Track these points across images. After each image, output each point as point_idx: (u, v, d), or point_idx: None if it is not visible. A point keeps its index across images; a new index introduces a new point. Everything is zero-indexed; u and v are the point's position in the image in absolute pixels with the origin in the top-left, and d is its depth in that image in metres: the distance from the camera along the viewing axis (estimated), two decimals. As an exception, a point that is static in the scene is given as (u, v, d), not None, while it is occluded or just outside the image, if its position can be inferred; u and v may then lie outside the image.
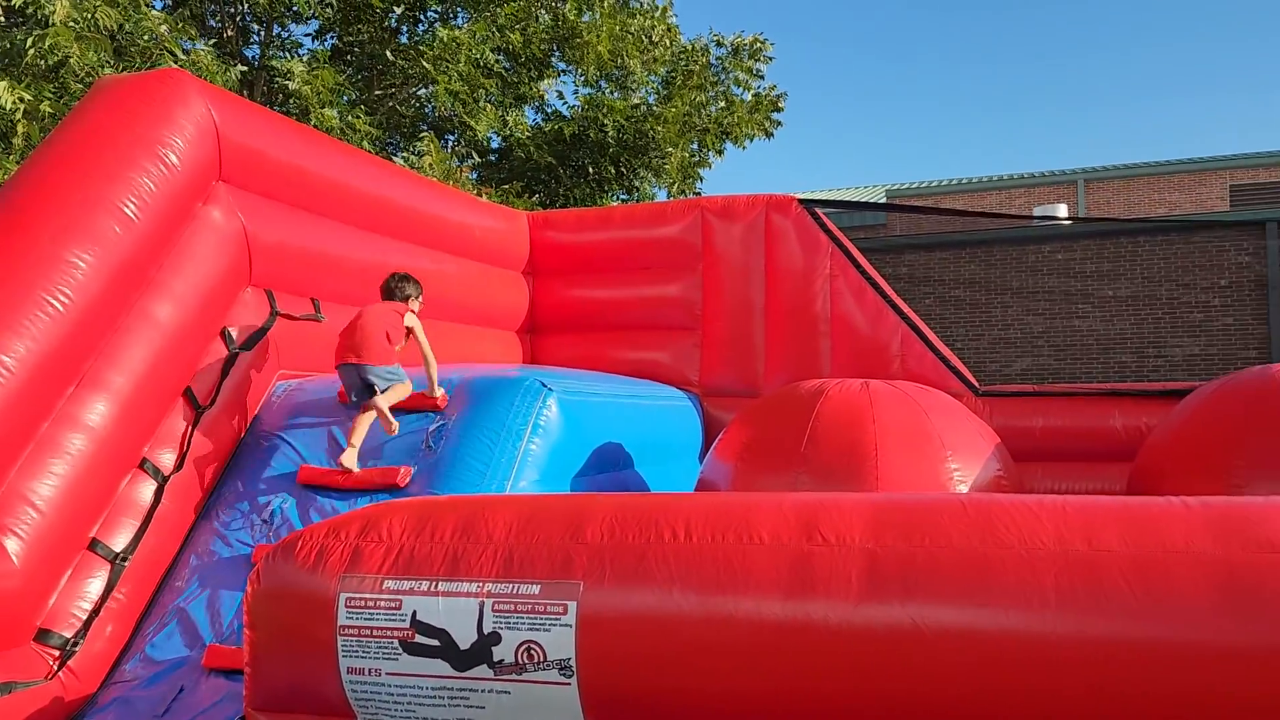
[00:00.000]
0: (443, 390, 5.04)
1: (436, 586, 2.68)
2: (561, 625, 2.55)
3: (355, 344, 4.84)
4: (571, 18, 10.08)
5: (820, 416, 4.75)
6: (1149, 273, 13.60)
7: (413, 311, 5.15)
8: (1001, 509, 2.51)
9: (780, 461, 4.69)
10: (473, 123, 9.64)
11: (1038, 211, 17.08)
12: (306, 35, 11.05)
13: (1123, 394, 6.77)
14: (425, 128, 10.43)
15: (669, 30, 11.31)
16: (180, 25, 8.86)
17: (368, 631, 2.71)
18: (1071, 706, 2.27)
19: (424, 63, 9.18)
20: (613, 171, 11.01)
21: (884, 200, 22.96)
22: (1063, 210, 16.90)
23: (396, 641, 2.68)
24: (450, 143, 10.88)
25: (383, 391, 4.83)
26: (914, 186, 24.11)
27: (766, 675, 2.47)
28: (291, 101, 8.90)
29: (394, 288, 5.19)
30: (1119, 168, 21.88)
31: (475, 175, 11.61)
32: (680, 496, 2.87)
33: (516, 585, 2.62)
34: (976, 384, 7.11)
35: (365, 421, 4.83)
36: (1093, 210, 21.02)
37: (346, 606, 2.74)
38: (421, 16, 10.51)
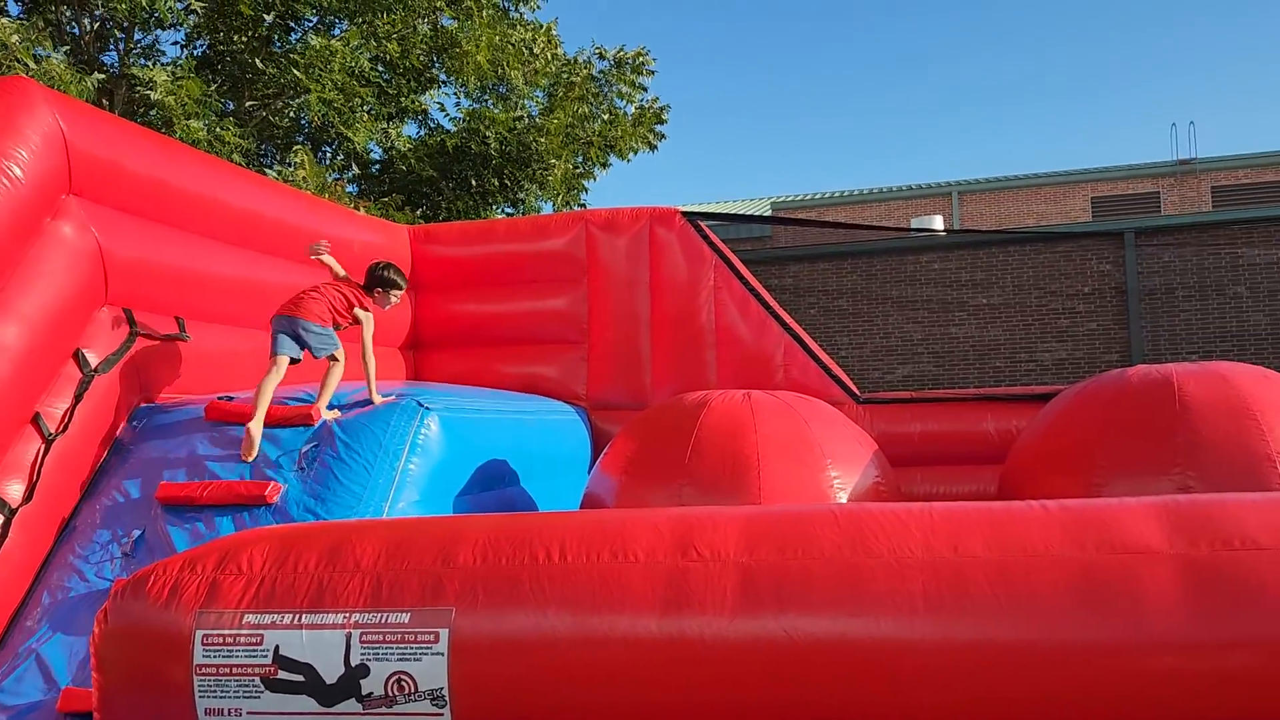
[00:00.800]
0: (371, 400, 4.97)
1: (300, 619, 2.57)
2: (433, 654, 2.47)
3: (298, 300, 4.87)
4: (451, 28, 9.93)
5: (703, 428, 4.76)
6: (1019, 281, 14.16)
7: (367, 309, 5.10)
8: (872, 518, 2.54)
9: (664, 474, 4.68)
10: (350, 134, 9.39)
11: (915, 223, 17.65)
12: (174, 44, 10.63)
13: (994, 399, 7.01)
14: (301, 140, 10.13)
15: (550, 42, 11.26)
16: (34, 35, 8.38)
17: (227, 670, 2.58)
18: (940, 710, 2.31)
19: (296, 71, 8.88)
20: (496, 184, 10.88)
21: (769, 213, 23.39)
22: (938, 222, 17.51)
23: (258, 679, 2.56)
24: (328, 155, 10.59)
25: (317, 354, 4.86)
26: (798, 199, 24.63)
27: (644, 693, 2.45)
28: (154, 112, 8.51)
29: (370, 274, 5.18)
30: (990, 180, 22.81)
31: (354, 189, 11.34)
32: (555, 516, 2.83)
33: (385, 614, 2.52)
34: (857, 392, 7.26)
35: (267, 386, 4.71)
36: (966, 221, 21.84)
37: (203, 644, 2.60)
38: (294, 24, 10.20)
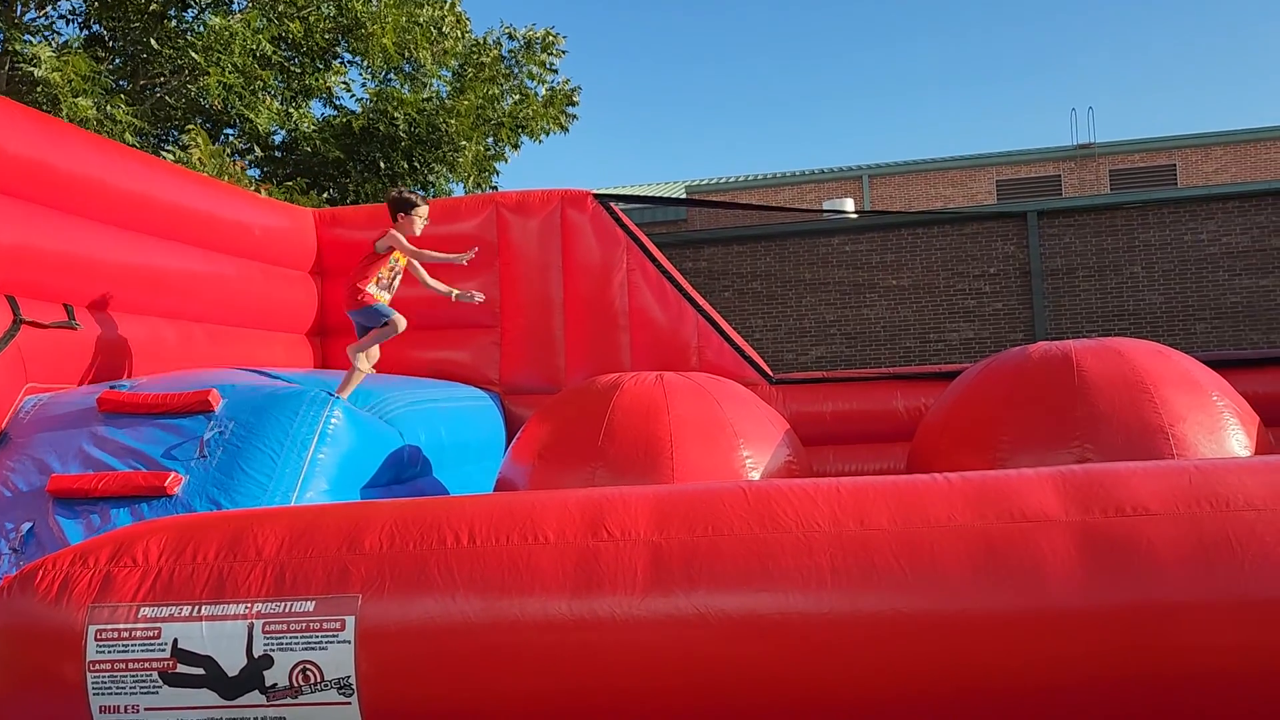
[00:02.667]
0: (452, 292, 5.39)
1: (200, 611, 2.48)
2: (339, 642, 2.42)
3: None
4: (356, 7, 9.67)
5: (615, 411, 4.75)
6: (928, 262, 14.46)
7: (391, 233, 5.13)
8: (781, 494, 2.56)
9: (577, 458, 4.66)
10: (252, 115, 9.08)
11: (827, 205, 17.90)
12: (61, 18, 10.09)
13: (902, 377, 7.16)
14: (200, 120, 9.76)
15: (459, 22, 11.07)
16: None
17: (122, 665, 2.48)
18: (848, 680, 2.35)
19: (193, 54, 8.54)
20: (405, 166, 10.67)
21: (683, 196, 23.46)
22: (850, 204, 17.78)
23: (156, 674, 2.47)
24: (229, 137, 10.23)
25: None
26: (712, 182, 24.75)
27: (557, 675, 2.43)
28: (40, 90, 8.10)
29: (389, 207, 5.28)
30: (899, 164, 23.25)
31: (256, 171, 11.00)
32: (464, 499, 2.79)
33: (289, 603, 2.46)
34: (770, 373, 7.34)
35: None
36: (877, 204, 22.25)
37: (97, 639, 2.50)
38: (191, 2, 9.80)
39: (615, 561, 2.42)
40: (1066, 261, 13.57)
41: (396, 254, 5.31)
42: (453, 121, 10.39)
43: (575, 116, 12.29)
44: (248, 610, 2.46)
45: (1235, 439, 4.22)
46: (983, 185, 22.03)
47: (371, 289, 5.26)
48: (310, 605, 2.44)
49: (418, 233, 5.38)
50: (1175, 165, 21.36)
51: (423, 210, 5.36)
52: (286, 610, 2.44)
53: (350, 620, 2.42)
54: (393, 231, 5.24)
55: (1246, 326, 12.78)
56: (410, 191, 5.35)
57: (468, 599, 2.42)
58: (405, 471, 5.48)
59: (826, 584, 2.36)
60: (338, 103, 11.49)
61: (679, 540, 2.45)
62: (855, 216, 16.56)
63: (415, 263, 5.31)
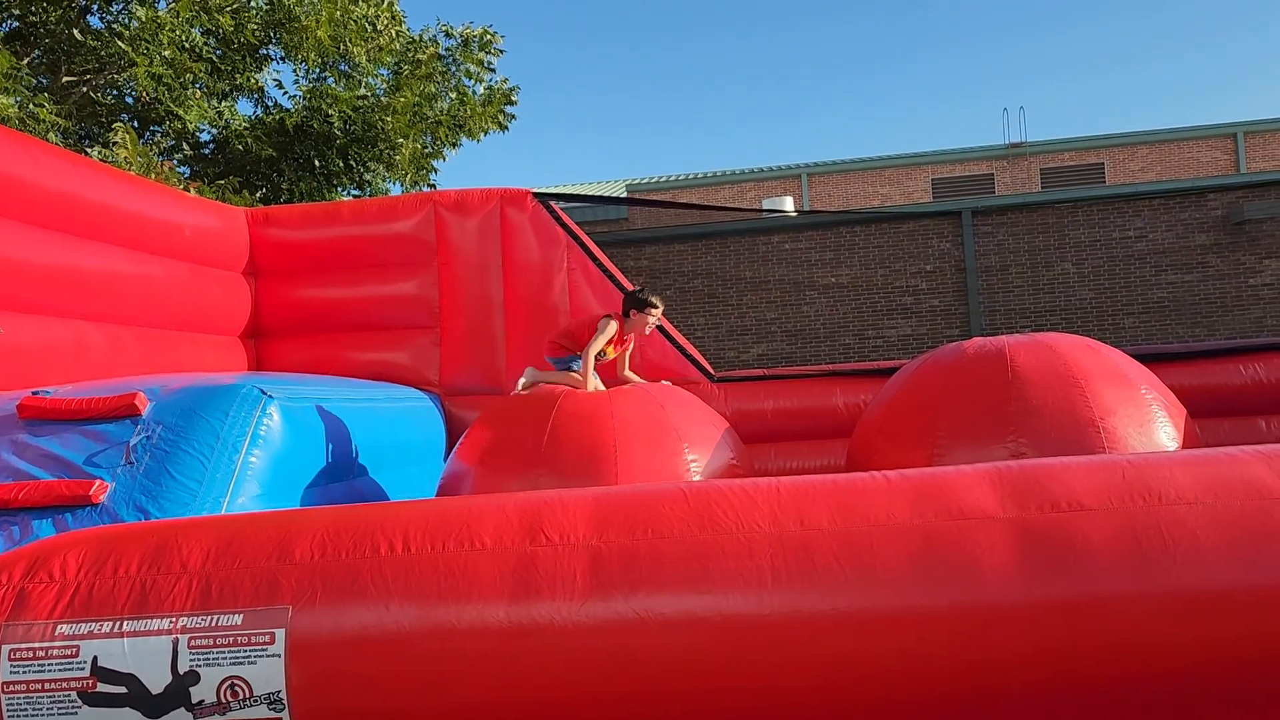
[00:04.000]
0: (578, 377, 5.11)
1: (121, 627, 2.39)
2: (269, 656, 2.34)
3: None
4: (289, 2, 9.44)
5: (560, 415, 4.72)
6: (866, 260, 14.62)
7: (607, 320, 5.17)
8: (721, 495, 2.54)
9: (521, 462, 4.62)
10: (181, 112, 8.81)
11: (766, 204, 17.99)
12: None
13: (841, 374, 7.22)
14: (126, 118, 9.45)
15: (394, 19, 10.88)
16: None
17: (39, 686, 2.38)
18: (790, 680, 2.34)
19: (120, 44, 8.24)
20: (341, 165, 10.46)
21: (624, 195, 23.45)
22: (789, 203, 17.89)
23: (74, 694, 2.37)
24: (156, 134, 9.91)
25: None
26: (653, 181, 24.77)
27: (495, 683, 2.38)
28: (-43, 88, 7.79)
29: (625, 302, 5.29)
30: (837, 163, 23.49)
31: (186, 170, 10.70)
32: (399, 506, 2.72)
33: (216, 617, 2.37)
34: (712, 371, 7.35)
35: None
36: (815, 202, 22.46)
37: (10, 659, 2.39)
38: (117, -6, 9.48)
39: (554, 567, 2.38)
40: (1000, 259, 13.82)
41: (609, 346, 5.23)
42: (389, 119, 10.21)
43: (514, 116, 12.18)
44: (172, 625, 2.37)
45: (1163, 431, 4.32)
46: (919, 183, 22.36)
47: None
48: (238, 618, 2.36)
49: (646, 331, 5.36)
50: (1103, 164, 21.89)
51: (657, 312, 5.27)
52: (213, 624, 2.36)
53: (280, 633, 2.34)
54: (609, 323, 5.18)
55: (1172, 321, 13.14)
56: (645, 293, 5.28)
57: (402, 608, 2.36)
58: (342, 473, 5.38)
59: (767, 584, 2.35)
60: (270, 99, 11.23)
61: (618, 544, 2.42)
62: (795, 215, 16.68)
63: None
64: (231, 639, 2.34)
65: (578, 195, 8.05)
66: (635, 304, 5.21)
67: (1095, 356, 4.63)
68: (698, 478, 4.62)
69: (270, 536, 2.51)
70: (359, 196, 11.17)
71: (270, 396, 4.72)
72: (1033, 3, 60.99)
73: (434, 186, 11.83)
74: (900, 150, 24.53)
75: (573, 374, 5.16)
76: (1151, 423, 4.32)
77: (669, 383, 5.50)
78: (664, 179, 24.84)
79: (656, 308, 5.23)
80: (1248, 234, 13.01)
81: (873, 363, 11.84)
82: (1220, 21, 57.39)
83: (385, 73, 11.22)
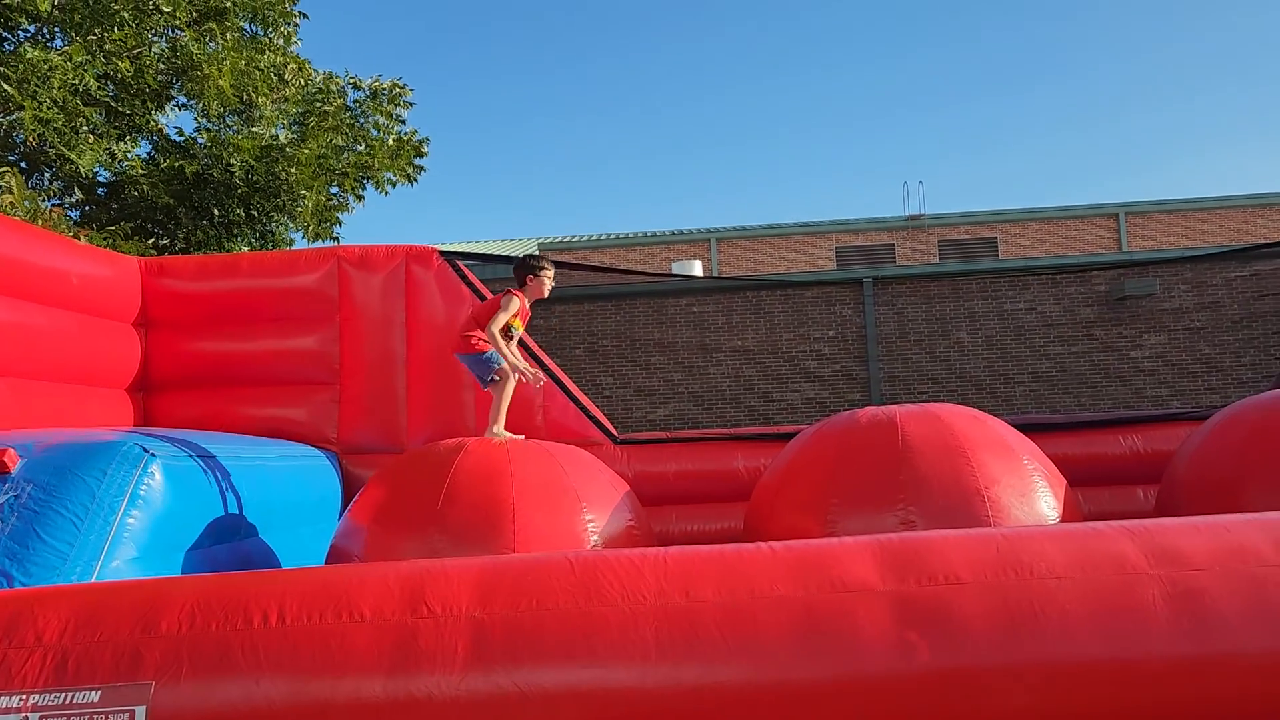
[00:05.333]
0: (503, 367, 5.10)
1: (-34, 705, 2.24)
2: (128, 735, 2.22)
3: None
4: (192, 49, 9.26)
5: (457, 474, 4.65)
6: (771, 324, 14.90)
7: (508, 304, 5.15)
8: (608, 565, 2.53)
9: (415, 523, 4.52)
10: (73, 155, 8.52)
11: (675, 268, 18.24)
12: None
13: (742, 438, 7.29)
14: (14, 159, 9.07)
15: (301, 69, 10.76)
16: None
17: None
18: (673, 757, 2.32)
19: (7, 86, 7.94)
20: (242, 214, 10.22)
21: (536, 253, 23.51)
22: (698, 267, 18.17)
23: (-89, 778, 2.20)
24: (46, 177, 9.53)
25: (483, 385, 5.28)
26: (565, 240, 24.93)
27: (371, 762, 2.30)
28: None
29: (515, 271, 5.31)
30: (746, 229, 24.02)
31: (77, 214, 10.31)
32: (276, 574, 2.63)
33: (71, 694, 2.25)
34: (614, 432, 7.35)
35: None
36: (724, 266, 22.86)
37: None
38: (8, 35, 9.14)
39: (435, 639, 2.33)
40: (899, 326, 14.24)
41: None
42: (292, 170, 10.04)
43: (423, 168, 12.11)
44: (23, 703, 2.23)
45: (1044, 501, 4.46)
46: (824, 251, 22.97)
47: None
48: (95, 695, 2.24)
49: (545, 294, 5.40)
50: (997, 238, 22.85)
51: (549, 273, 5.35)
52: (67, 701, 2.23)
53: (141, 710, 2.23)
54: (511, 300, 5.23)
55: (1060, 390, 13.68)
56: (531, 259, 5.36)
57: (274, 682, 2.27)
58: (229, 535, 5.19)
59: (651, 657, 2.33)
60: (170, 144, 10.93)
61: (502, 615, 2.38)
62: (703, 279, 16.94)
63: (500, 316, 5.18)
64: (87, 717, 2.22)
65: (485, 254, 8.04)
66: (527, 269, 5.28)
67: (981, 427, 4.78)
68: (596, 539, 4.59)
69: (135, 607, 2.40)
70: (261, 247, 10.92)
71: (152, 454, 4.55)
72: (932, 80, 63.84)
73: (337, 239, 11.65)
74: (806, 219, 25.22)
75: (502, 382, 5.25)
76: (1033, 493, 4.46)
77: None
78: (576, 239, 25.03)
79: (547, 268, 5.31)
80: (1128, 309, 13.69)
81: (772, 427, 12.02)
82: (1104, 107, 60.90)
83: (291, 122, 11.07)
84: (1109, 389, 13.77)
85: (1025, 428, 6.68)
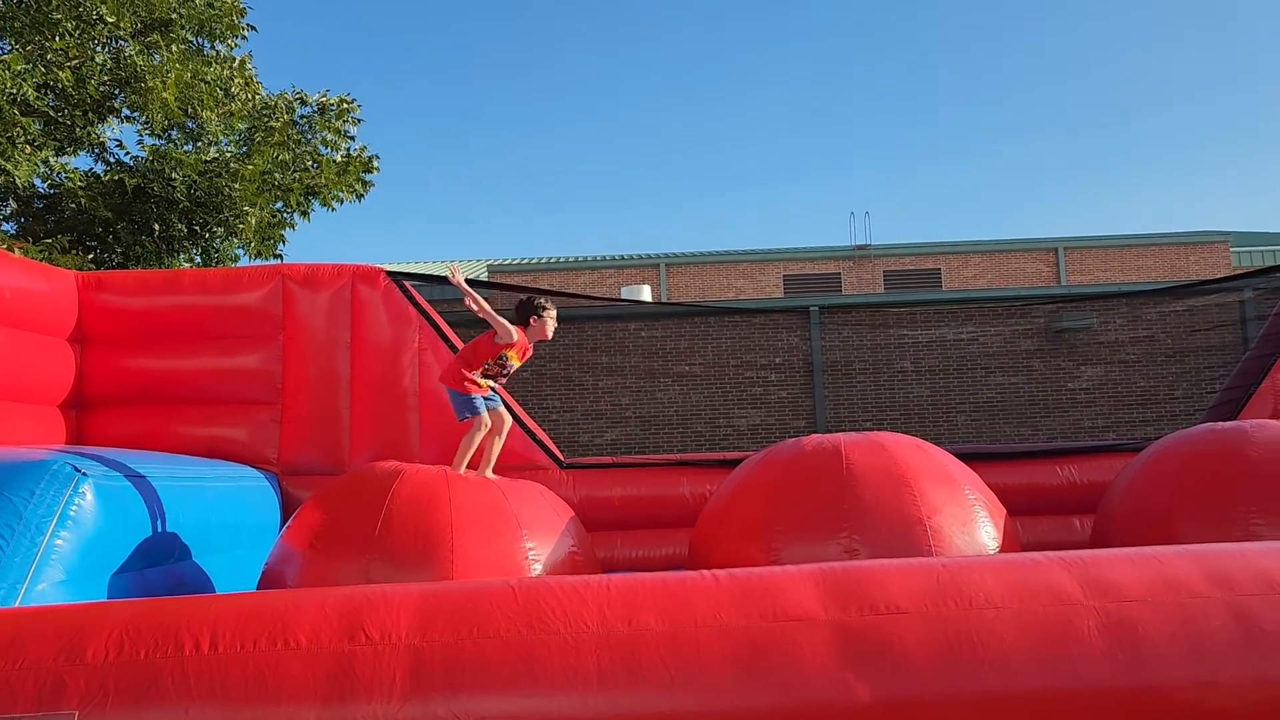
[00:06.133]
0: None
1: (-124, 736, 2.15)
2: (48, 767, 2.14)
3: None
4: (136, 61, 9.06)
5: (395, 498, 4.58)
6: (719, 350, 14.98)
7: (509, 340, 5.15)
8: (550, 593, 2.51)
9: (352, 547, 4.45)
10: (9, 166, 8.28)
11: (624, 293, 18.28)
12: None
13: (688, 464, 7.31)
14: (-52, 170, 8.80)
15: (248, 83, 10.59)
16: None
17: None
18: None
19: (-61, 96, 7.69)
20: (184, 229, 10.00)
21: (486, 274, 23.42)
22: (646, 292, 18.23)
23: None
24: (-21, 190, 9.25)
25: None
26: (515, 262, 24.89)
27: (304, 794, 2.24)
28: None
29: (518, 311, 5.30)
30: (695, 255, 24.19)
31: (12, 227, 10.00)
32: (209, 600, 2.56)
33: (-11, 724, 2.16)
34: (561, 457, 7.32)
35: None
36: (673, 292, 22.96)
37: None
38: (-61, 42, 8.86)
39: (372, 667, 2.28)
40: (845, 354, 14.41)
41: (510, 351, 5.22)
42: (236, 186, 9.86)
43: (371, 183, 11.96)
44: (-63, 733, 2.14)
45: (984, 530, 4.52)
46: (771, 279, 23.19)
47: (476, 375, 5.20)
48: (15, 725, 2.16)
49: (549, 337, 5.38)
50: (940, 269, 23.27)
51: (551, 313, 5.32)
52: (-15, 732, 2.15)
53: (63, 741, 2.15)
54: (512, 331, 5.17)
55: (1000, 420, 13.92)
56: (535, 299, 5.34)
57: (204, 712, 2.21)
58: (162, 557, 5.06)
59: (592, 686, 2.32)
60: (111, 158, 10.68)
61: (442, 643, 2.34)
62: (652, 304, 17.00)
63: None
64: (6, 748, 2.14)
65: (433, 275, 7.98)
66: (531, 310, 5.26)
67: (924, 456, 4.84)
68: (538, 566, 4.55)
69: (60, 632, 2.32)
70: (205, 264, 10.70)
71: (84, 474, 4.43)
72: (879, 110, 65.02)
73: (281, 257, 11.45)
74: (755, 246, 25.48)
75: (474, 433, 5.19)
76: (974, 522, 4.52)
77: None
78: (525, 261, 25.01)
79: (548, 308, 5.30)
80: (1066, 342, 14.00)
81: (718, 454, 12.06)
82: (1044, 141, 62.51)
83: (238, 137, 10.87)
84: (1048, 419, 14.04)
85: (966, 457, 6.79)
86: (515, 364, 5.35)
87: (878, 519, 4.41)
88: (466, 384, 5.20)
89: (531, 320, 5.26)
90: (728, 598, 2.50)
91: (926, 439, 5.50)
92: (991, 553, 4.27)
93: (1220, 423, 5.17)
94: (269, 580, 4.69)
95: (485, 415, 5.18)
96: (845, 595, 2.52)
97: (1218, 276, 19.32)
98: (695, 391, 14.95)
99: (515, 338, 5.19)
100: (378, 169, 12.14)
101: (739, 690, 2.33)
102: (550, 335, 5.39)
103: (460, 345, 7.34)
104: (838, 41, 64.53)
